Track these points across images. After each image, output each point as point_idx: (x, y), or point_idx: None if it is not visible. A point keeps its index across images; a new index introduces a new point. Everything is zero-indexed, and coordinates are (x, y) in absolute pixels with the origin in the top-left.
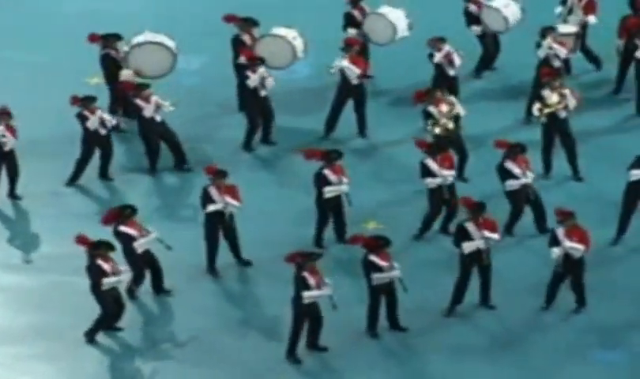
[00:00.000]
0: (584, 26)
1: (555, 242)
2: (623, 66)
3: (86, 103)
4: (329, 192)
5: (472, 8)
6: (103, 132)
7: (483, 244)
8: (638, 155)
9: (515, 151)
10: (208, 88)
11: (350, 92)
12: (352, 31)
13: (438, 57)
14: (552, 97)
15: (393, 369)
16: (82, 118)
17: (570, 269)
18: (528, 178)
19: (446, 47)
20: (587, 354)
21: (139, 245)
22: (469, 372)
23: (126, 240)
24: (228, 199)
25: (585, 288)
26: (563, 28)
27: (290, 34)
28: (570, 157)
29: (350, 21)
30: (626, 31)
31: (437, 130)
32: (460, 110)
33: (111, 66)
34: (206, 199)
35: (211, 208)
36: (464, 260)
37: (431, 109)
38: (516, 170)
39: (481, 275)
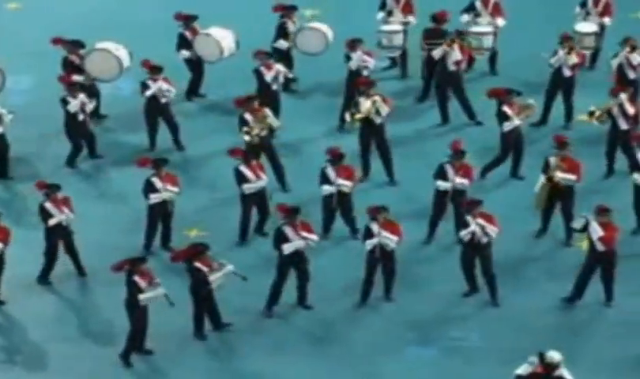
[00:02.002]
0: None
1: (369, 235)
2: (428, 75)
3: None
4: (154, 198)
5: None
6: None
7: (303, 244)
8: (440, 164)
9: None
10: (36, 107)
11: (159, 112)
12: (184, 53)
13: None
14: (366, 104)
15: (215, 369)
16: None
17: (383, 260)
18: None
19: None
20: (402, 350)
21: None
22: (288, 369)
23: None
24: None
25: (396, 281)
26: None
27: (112, 46)
28: (385, 162)
29: (183, 42)
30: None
31: (247, 138)
32: (274, 121)
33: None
34: (45, 214)
35: (51, 221)
36: (282, 261)
37: (247, 116)
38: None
39: (299, 277)
